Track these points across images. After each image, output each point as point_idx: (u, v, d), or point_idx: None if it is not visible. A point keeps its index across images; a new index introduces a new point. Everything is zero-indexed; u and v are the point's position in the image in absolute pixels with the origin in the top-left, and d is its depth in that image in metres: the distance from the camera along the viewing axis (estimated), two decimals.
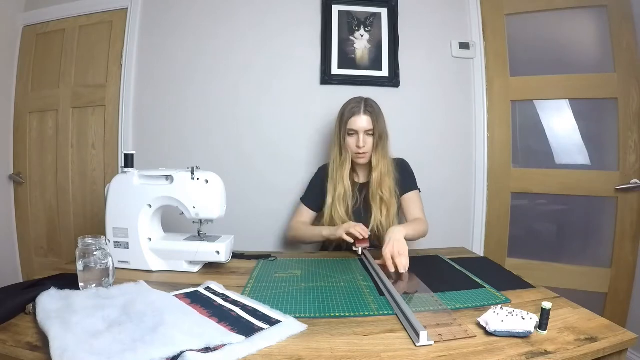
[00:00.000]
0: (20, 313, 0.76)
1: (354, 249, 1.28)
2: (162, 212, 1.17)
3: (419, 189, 1.51)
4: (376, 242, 1.39)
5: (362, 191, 1.47)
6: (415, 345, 0.67)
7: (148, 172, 1.12)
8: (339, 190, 1.41)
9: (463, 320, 0.76)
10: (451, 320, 0.75)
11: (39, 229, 2.06)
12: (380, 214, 1.40)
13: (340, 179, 1.42)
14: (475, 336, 0.70)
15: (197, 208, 1.09)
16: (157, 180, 1.11)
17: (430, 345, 0.67)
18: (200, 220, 1.13)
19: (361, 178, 1.50)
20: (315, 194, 1.51)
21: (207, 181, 1.09)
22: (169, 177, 1.10)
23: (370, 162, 1.42)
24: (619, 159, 1.71)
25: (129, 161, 1.13)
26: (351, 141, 1.40)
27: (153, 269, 1.09)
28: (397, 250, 1.07)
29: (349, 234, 1.25)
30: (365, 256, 1.22)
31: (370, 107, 1.40)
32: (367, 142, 1.38)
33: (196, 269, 1.10)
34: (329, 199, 1.42)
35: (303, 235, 1.45)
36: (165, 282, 0.99)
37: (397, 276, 1.03)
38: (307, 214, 1.52)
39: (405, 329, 0.73)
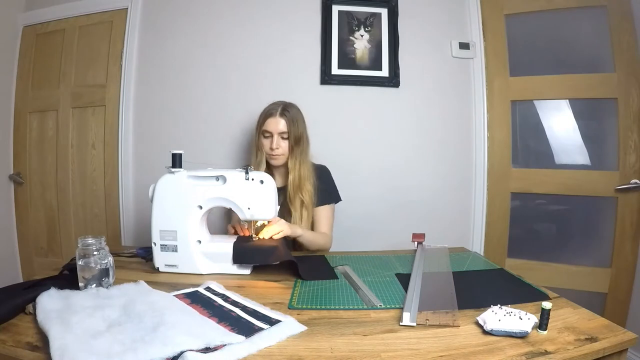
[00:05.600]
0: (20, 313, 0.76)
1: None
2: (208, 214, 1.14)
3: (335, 201, 1.50)
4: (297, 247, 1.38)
5: (280, 196, 1.40)
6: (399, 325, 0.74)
7: (197, 172, 1.08)
8: None
9: (463, 320, 0.76)
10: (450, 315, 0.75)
11: (39, 229, 2.06)
12: (300, 218, 1.39)
13: None
14: (459, 326, 0.73)
15: (252, 209, 1.07)
16: (207, 180, 1.08)
17: (413, 326, 0.73)
18: (250, 222, 1.12)
19: (278, 182, 1.45)
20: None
21: (262, 182, 1.07)
22: (219, 178, 1.08)
23: (287, 168, 1.41)
24: (619, 159, 1.71)
25: (176, 161, 1.08)
26: (265, 143, 1.41)
27: (203, 272, 1.06)
28: (273, 230, 1.15)
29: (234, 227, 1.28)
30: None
31: (287, 111, 1.40)
32: (280, 145, 1.38)
33: (248, 271, 1.08)
34: None
35: None
36: (166, 282, 0.99)
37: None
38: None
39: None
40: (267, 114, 1.41)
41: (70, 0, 1.95)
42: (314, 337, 0.70)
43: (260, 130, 1.42)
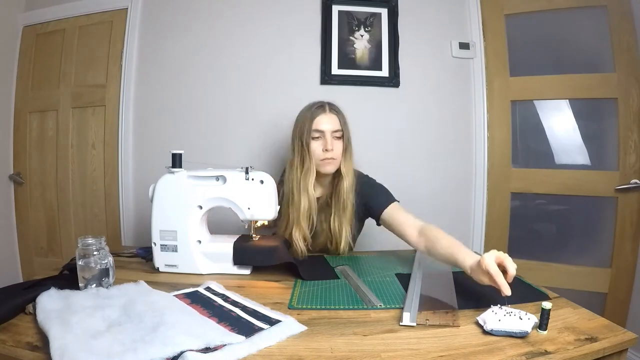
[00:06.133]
0: (20, 313, 0.76)
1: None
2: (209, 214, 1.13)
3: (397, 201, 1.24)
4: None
5: (318, 207, 1.25)
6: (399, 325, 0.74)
7: (197, 172, 1.08)
8: (304, 204, 1.18)
9: (463, 320, 0.76)
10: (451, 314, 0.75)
11: (39, 229, 2.06)
12: (349, 234, 1.21)
13: (305, 190, 1.18)
14: (459, 326, 0.73)
15: (252, 209, 1.06)
16: (208, 180, 1.08)
17: (413, 326, 0.73)
18: (250, 222, 1.11)
19: (318, 192, 1.27)
20: None
21: (262, 181, 1.06)
22: (219, 178, 1.07)
23: (334, 173, 1.22)
24: (619, 159, 1.71)
25: (176, 161, 1.08)
26: (315, 145, 1.18)
27: (203, 272, 1.05)
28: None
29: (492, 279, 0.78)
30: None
31: (336, 108, 1.23)
32: (335, 145, 1.18)
33: (248, 271, 1.07)
34: (292, 215, 1.20)
35: (435, 252, 1.01)
36: (166, 282, 0.99)
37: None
38: None
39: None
40: (313, 112, 1.19)
41: (70, 0, 1.95)
42: (314, 337, 0.70)
43: (307, 132, 1.17)
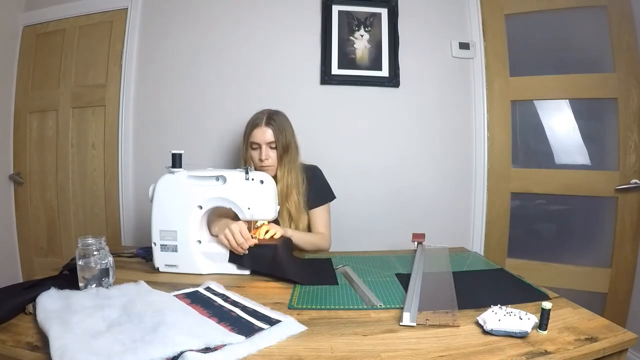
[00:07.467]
0: (20, 313, 0.76)
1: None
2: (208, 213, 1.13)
3: (329, 200, 1.48)
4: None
5: None
6: (399, 325, 0.74)
7: (197, 172, 1.08)
8: None
9: (463, 320, 0.76)
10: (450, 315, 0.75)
11: (39, 229, 2.06)
12: (290, 228, 1.35)
13: None
14: (459, 326, 0.73)
15: (252, 209, 1.07)
16: (208, 180, 1.08)
17: (413, 326, 0.73)
18: (250, 222, 1.11)
19: None
20: None
21: (262, 182, 1.07)
22: (219, 178, 1.08)
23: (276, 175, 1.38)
24: (619, 159, 1.71)
25: (176, 161, 1.08)
26: (254, 154, 1.36)
27: (203, 272, 1.06)
28: (270, 231, 1.13)
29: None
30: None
31: (273, 120, 1.35)
32: (269, 155, 1.34)
33: (247, 271, 1.08)
34: None
35: None
36: (166, 282, 0.99)
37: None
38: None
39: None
40: (252, 124, 1.37)
41: (70, 0, 1.95)
42: (314, 337, 0.70)
43: (247, 142, 1.38)
